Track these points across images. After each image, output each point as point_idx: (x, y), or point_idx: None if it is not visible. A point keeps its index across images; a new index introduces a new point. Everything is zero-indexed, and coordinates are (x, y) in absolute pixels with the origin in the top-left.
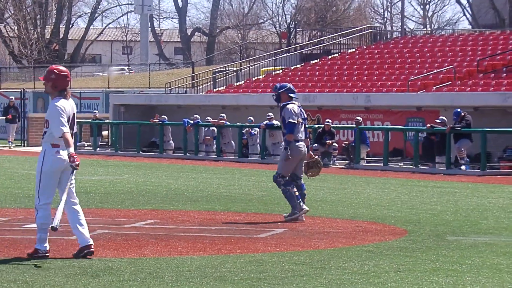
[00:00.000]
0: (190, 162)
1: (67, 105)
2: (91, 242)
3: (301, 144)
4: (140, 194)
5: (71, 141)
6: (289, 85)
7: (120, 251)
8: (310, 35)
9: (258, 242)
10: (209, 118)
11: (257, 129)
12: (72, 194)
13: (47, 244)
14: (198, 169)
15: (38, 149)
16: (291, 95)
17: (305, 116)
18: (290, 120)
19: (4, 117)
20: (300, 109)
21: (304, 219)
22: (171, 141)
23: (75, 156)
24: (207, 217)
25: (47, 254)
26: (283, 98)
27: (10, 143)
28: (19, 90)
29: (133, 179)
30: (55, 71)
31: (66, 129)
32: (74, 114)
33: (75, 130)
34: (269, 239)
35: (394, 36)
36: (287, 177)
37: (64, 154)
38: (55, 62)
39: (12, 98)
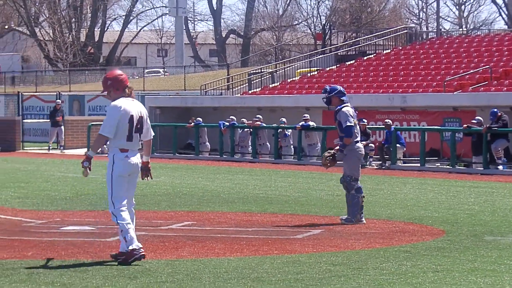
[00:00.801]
0: (226, 163)
1: (127, 105)
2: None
3: (360, 144)
4: (176, 196)
5: (97, 145)
6: (340, 87)
7: (157, 252)
8: (345, 36)
9: (295, 243)
10: (244, 120)
11: (291, 130)
12: (132, 200)
13: (138, 243)
14: (234, 171)
15: (74, 151)
16: (343, 98)
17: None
18: (348, 124)
19: (51, 121)
20: (354, 110)
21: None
22: (207, 143)
23: (84, 162)
24: (243, 219)
25: (143, 253)
26: (334, 102)
27: (60, 146)
28: (55, 93)
29: (169, 181)
30: (109, 76)
31: (106, 132)
32: (141, 116)
33: (150, 136)
34: (306, 240)
35: (429, 37)
36: (359, 181)
37: (133, 159)
38: (91, 65)
39: (58, 101)
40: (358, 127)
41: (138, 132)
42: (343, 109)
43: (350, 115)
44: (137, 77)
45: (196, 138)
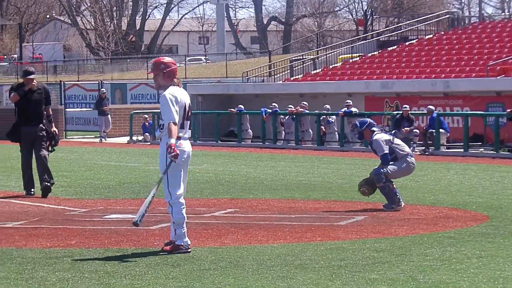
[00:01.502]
0: (269, 150)
1: (179, 94)
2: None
3: (414, 160)
4: (219, 183)
5: (175, 132)
6: (369, 120)
7: (200, 240)
8: (387, 22)
9: (338, 230)
10: (291, 106)
11: (334, 116)
12: (184, 189)
13: (187, 239)
14: (276, 158)
15: (117, 140)
16: (373, 128)
17: None
18: (381, 154)
19: (98, 110)
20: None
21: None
22: (249, 130)
23: (173, 147)
24: (286, 205)
25: (189, 250)
26: (366, 135)
27: (103, 135)
28: (97, 82)
29: (212, 168)
30: (163, 61)
31: (174, 118)
32: (189, 104)
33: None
34: (349, 227)
35: (472, 21)
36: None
37: (185, 145)
38: (132, 53)
39: (103, 90)
40: (414, 131)
41: (189, 120)
42: (375, 138)
43: (384, 142)
44: (178, 65)
45: (238, 125)
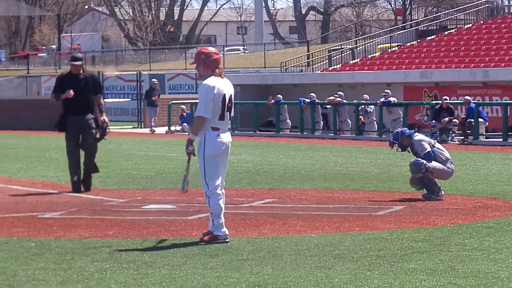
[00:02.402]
0: (307, 140)
1: (220, 84)
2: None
3: (453, 166)
4: (257, 173)
5: (198, 128)
6: (399, 129)
7: (238, 230)
8: (426, 11)
9: (376, 220)
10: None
11: (373, 106)
12: (223, 181)
13: (225, 229)
14: (315, 148)
15: (155, 130)
16: (409, 134)
17: None
18: (425, 152)
19: (147, 100)
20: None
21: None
22: (288, 120)
23: (189, 147)
24: (324, 195)
25: (227, 240)
26: (406, 142)
27: (153, 126)
28: (135, 73)
29: (250, 158)
30: (204, 51)
31: (205, 112)
32: (231, 95)
33: (232, 113)
34: (387, 217)
35: (511, 10)
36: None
37: (224, 137)
38: (170, 44)
39: (155, 81)
40: (453, 121)
41: (229, 111)
42: (415, 139)
43: (424, 141)
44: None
45: (276, 115)
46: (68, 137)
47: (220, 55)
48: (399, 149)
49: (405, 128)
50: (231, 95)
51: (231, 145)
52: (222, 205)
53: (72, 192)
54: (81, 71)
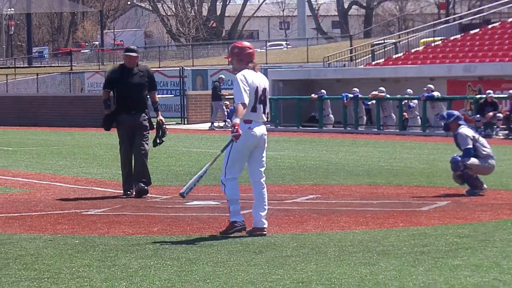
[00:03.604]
0: (350, 136)
1: (252, 76)
2: (265, 225)
3: (494, 162)
4: (300, 169)
5: (241, 112)
6: (457, 113)
7: (282, 226)
8: (469, 5)
9: (421, 215)
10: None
11: (416, 101)
12: (263, 174)
13: (241, 216)
14: (358, 143)
15: (198, 126)
16: (460, 122)
17: None
18: (467, 147)
19: (213, 95)
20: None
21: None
22: (331, 115)
23: (237, 127)
24: (368, 191)
25: (244, 225)
26: (453, 127)
27: (215, 122)
28: (178, 68)
29: (293, 154)
30: (237, 45)
31: (243, 99)
32: (265, 88)
33: (267, 108)
34: (432, 212)
35: None
36: None
37: (256, 130)
38: (213, 39)
39: (222, 76)
40: (497, 115)
41: (262, 104)
42: (460, 131)
43: (467, 136)
44: (259, 50)
45: (319, 110)
46: (121, 137)
47: (263, 50)
48: (443, 126)
49: (462, 117)
50: (264, 88)
51: (266, 138)
52: (237, 192)
53: (123, 196)
54: (136, 65)
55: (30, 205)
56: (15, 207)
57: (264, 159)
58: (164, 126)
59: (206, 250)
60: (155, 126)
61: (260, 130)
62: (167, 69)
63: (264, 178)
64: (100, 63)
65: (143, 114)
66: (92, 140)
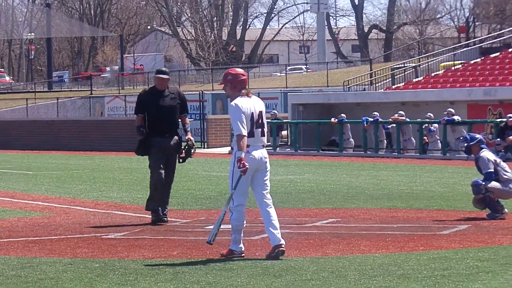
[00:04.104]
0: (371, 159)
1: (246, 103)
2: (282, 242)
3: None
4: (320, 193)
5: (242, 145)
6: (479, 136)
7: (302, 250)
8: (490, 28)
9: (441, 239)
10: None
11: (436, 125)
12: (266, 195)
13: (242, 245)
14: (378, 167)
15: (218, 150)
16: (482, 146)
17: None
18: (488, 171)
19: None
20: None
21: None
22: (351, 139)
23: (242, 162)
24: (388, 215)
25: (242, 255)
26: (475, 151)
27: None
28: (198, 92)
29: (313, 178)
30: (231, 72)
31: (241, 130)
32: (260, 111)
33: (266, 128)
34: (452, 236)
35: None
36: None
37: (255, 154)
38: (233, 63)
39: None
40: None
41: (260, 128)
42: (482, 155)
43: (489, 160)
44: (279, 74)
45: (339, 134)
46: (155, 161)
47: (282, 74)
48: (464, 149)
49: (484, 140)
50: (260, 112)
51: (268, 160)
52: (243, 223)
53: (152, 224)
54: (167, 87)
55: (50, 229)
56: (35, 231)
57: (267, 182)
58: (192, 145)
59: (226, 274)
60: (184, 146)
61: (259, 153)
62: (187, 93)
63: (269, 199)
64: (120, 88)
65: (176, 137)
66: (111, 164)
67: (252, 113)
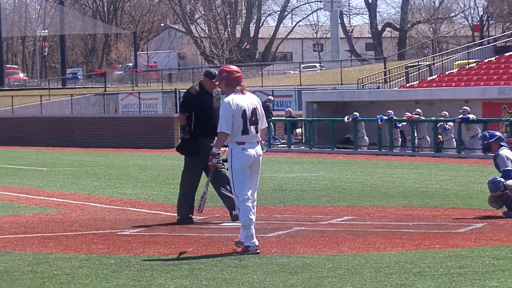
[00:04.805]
0: (385, 157)
1: (240, 100)
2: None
3: None
4: (335, 190)
5: (220, 142)
6: (499, 133)
7: (317, 247)
8: (504, 27)
9: (457, 237)
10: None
11: (451, 123)
12: (254, 195)
13: (255, 240)
14: (393, 165)
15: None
16: (502, 143)
17: None
18: (506, 168)
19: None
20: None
21: None
22: (366, 137)
23: (213, 157)
24: (404, 213)
25: (257, 250)
26: (494, 148)
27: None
28: None
29: (328, 175)
30: (225, 69)
31: (223, 127)
32: (254, 108)
33: (264, 125)
34: (468, 234)
35: None
36: None
37: (250, 151)
38: (247, 61)
39: (270, 98)
40: None
41: (254, 125)
42: (501, 153)
43: (509, 158)
44: (293, 72)
45: (354, 132)
46: (195, 162)
47: (296, 72)
48: (483, 146)
49: (504, 138)
50: (254, 108)
51: (261, 159)
52: (252, 217)
53: (179, 223)
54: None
55: (65, 225)
56: (50, 227)
57: (256, 181)
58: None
59: (242, 271)
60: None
61: (254, 150)
62: None
63: (255, 199)
64: (134, 85)
65: None
66: (126, 161)
67: (244, 109)
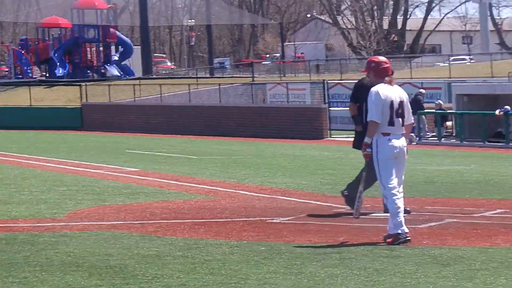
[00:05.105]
0: None
1: (387, 91)
2: (400, 231)
3: None
4: (487, 184)
5: (371, 131)
6: None
7: (470, 240)
8: None
9: None
10: None
11: None
12: (399, 188)
13: (405, 227)
14: None
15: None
16: None
17: None
18: None
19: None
20: None
21: None
22: None
23: (366, 148)
24: None
25: (408, 238)
26: None
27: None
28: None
29: (479, 169)
30: (374, 59)
31: (373, 116)
32: (401, 101)
33: (411, 120)
34: None
35: None
36: None
37: (395, 142)
38: (395, 53)
39: (422, 91)
40: None
41: (400, 117)
42: None
43: None
44: (442, 64)
45: (506, 126)
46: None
47: (446, 64)
48: None
49: None
50: (401, 101)
51: (406, 151)
52: (400, 204)
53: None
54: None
55: (215, 211)
56: (201, 213)
57: (402, 173)
58: None
59: (393, 261)
60: None
61: (399, 142)
62: (348, 82)
63: (401, 192)
64: (282, 75)
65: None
66: (274, 150)
67: (392, 101)
